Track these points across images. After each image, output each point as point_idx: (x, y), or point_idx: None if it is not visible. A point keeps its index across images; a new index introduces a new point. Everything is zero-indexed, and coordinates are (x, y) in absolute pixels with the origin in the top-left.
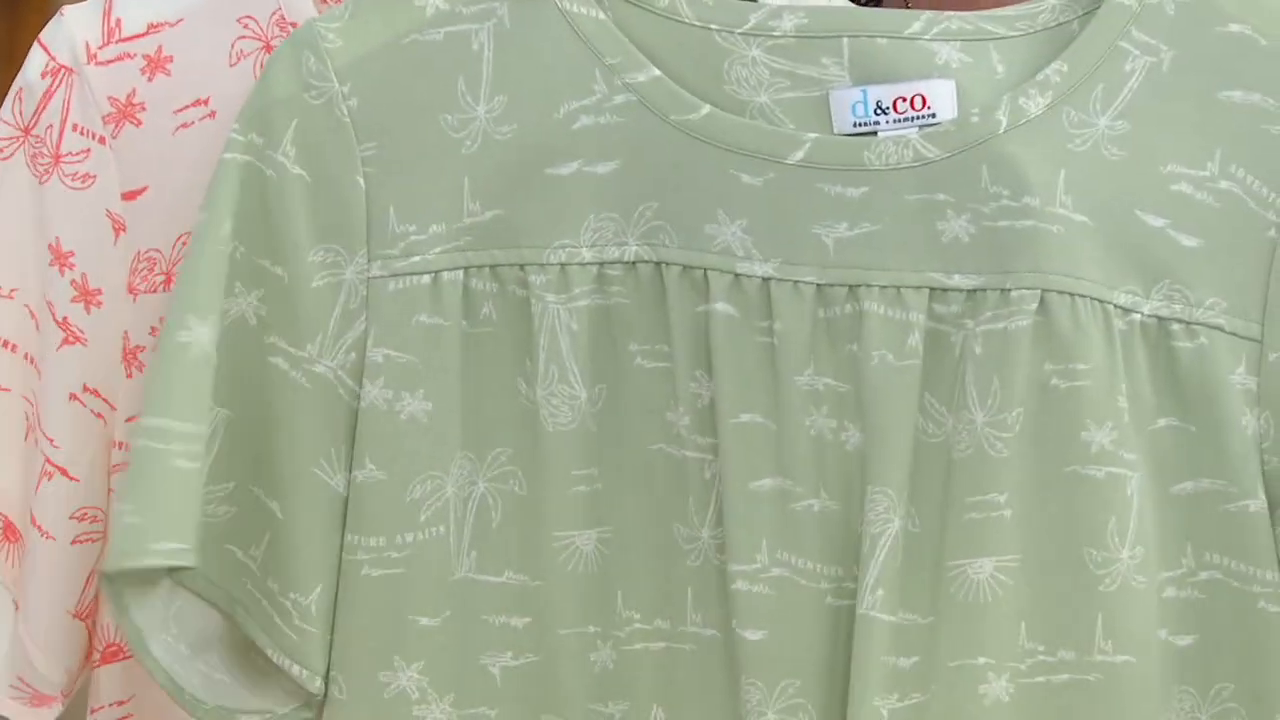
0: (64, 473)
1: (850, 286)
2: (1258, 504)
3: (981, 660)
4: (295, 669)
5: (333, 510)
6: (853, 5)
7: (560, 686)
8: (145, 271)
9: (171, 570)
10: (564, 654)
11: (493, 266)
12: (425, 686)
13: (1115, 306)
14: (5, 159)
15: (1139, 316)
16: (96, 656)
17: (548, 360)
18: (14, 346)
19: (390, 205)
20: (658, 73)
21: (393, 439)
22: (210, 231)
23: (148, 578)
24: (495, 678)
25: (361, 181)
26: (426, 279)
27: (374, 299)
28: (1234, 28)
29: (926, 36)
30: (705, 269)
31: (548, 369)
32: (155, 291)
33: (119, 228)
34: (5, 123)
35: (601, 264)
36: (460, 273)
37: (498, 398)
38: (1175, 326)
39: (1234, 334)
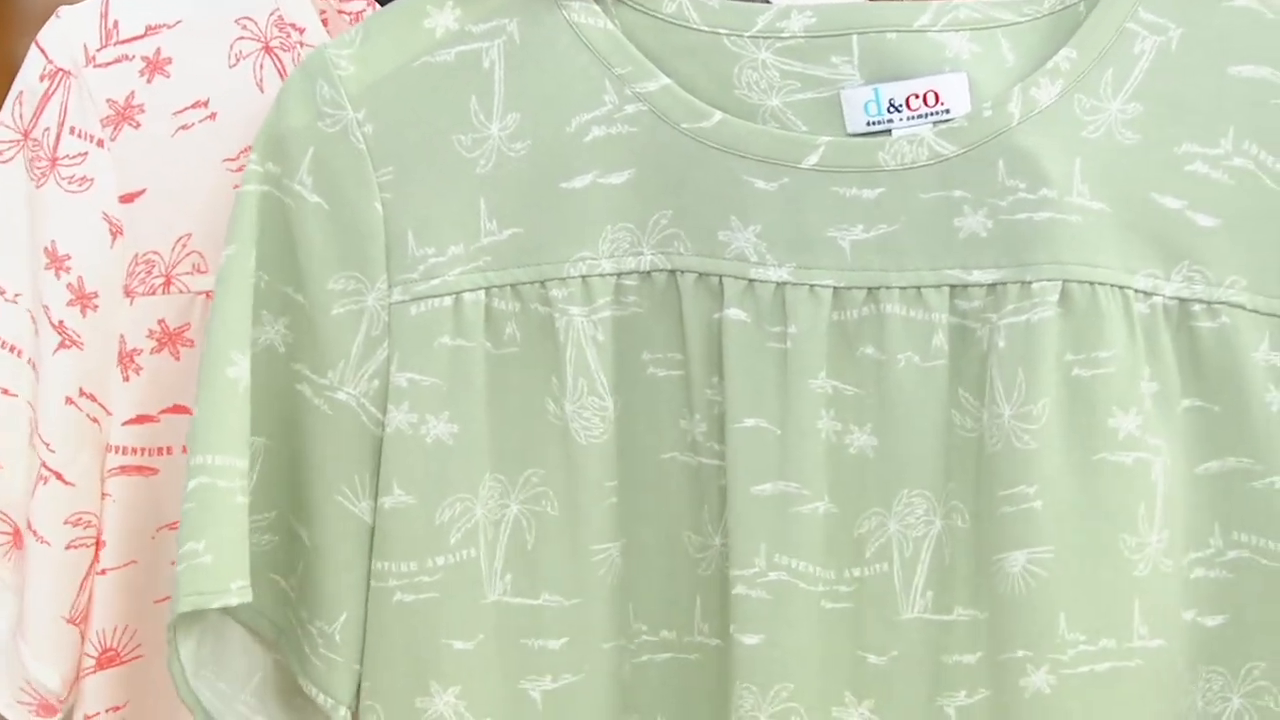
0: (59, 477)
1: (869, 289)
2: None
3: (1020, 653)
4: (321, 698)
5: (357, 538)
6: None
7: (602, 701)
8: (143, 274)
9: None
10: (607, 668)
11: (514, 285)
12: (463, 711)
13: (1136, 291)
14: (5, 162)
15: (1160, 299)
16: (90, 663)
17: (575, 373)
18: (19, 351)
19: (409, 229)
20: (667, 81)
21: (420, 462)
22: (237, 264)
23: (194, 615)
24: (536, 702)
25: (379, 207)
26: (448, 301)
27: (396, 324)
28: (1240, 2)
29: (936, 28)
30: (720, 275)
31: (576, 382)
32: (153, 294)
33: (116, 231)
34: (6, 126)
35: (620, 274)
36: (482, 293)
37: (526, 419)
38: (1197, 307)
39: (1256, 311)
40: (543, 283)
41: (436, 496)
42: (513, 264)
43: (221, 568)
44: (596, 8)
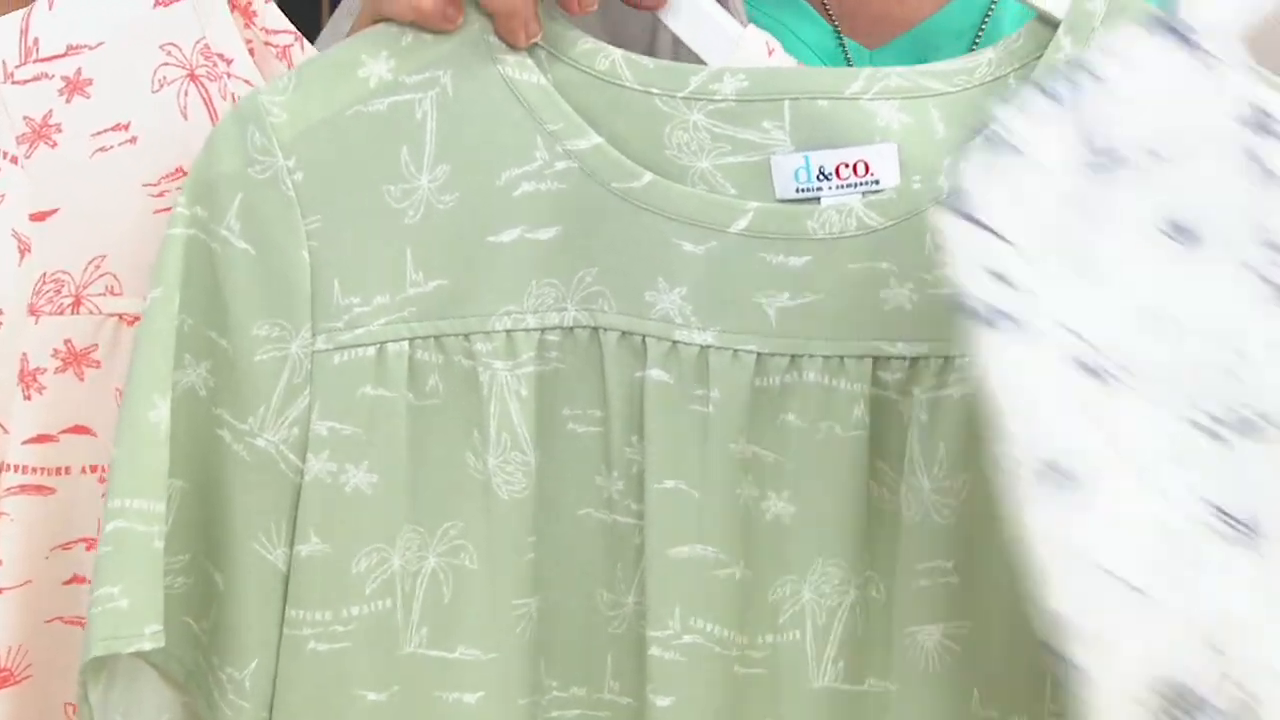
0: None
1: (792, 356)
2: None
3: None
4: None
5: (272, 585)
6: (798, 65)
7: None
8: (51, 293)
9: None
10: None
11: (438, 337)
12: None
13: None
14: None
15: None
16: None
17: (499, 428)
18: None
19: (335, 278)
20: (599, 139)
21: (337, 512)
22: (162, 307)
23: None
24: None
25: (306, 255)
26: (371, 351)
27: (318, 373)
28: None
29: (867, 96)
30: (644, 335)
31: (499, 437)
32: (61, 314)
33: (24, 248)
34: None
35: (543, 329)
36: (405, 344)
37: (446, 472)
38: None
39: None
40: (467, 335)
41: (353, 546)
42: (437, 315)
43: (137, 612)
44: (530, 62)
